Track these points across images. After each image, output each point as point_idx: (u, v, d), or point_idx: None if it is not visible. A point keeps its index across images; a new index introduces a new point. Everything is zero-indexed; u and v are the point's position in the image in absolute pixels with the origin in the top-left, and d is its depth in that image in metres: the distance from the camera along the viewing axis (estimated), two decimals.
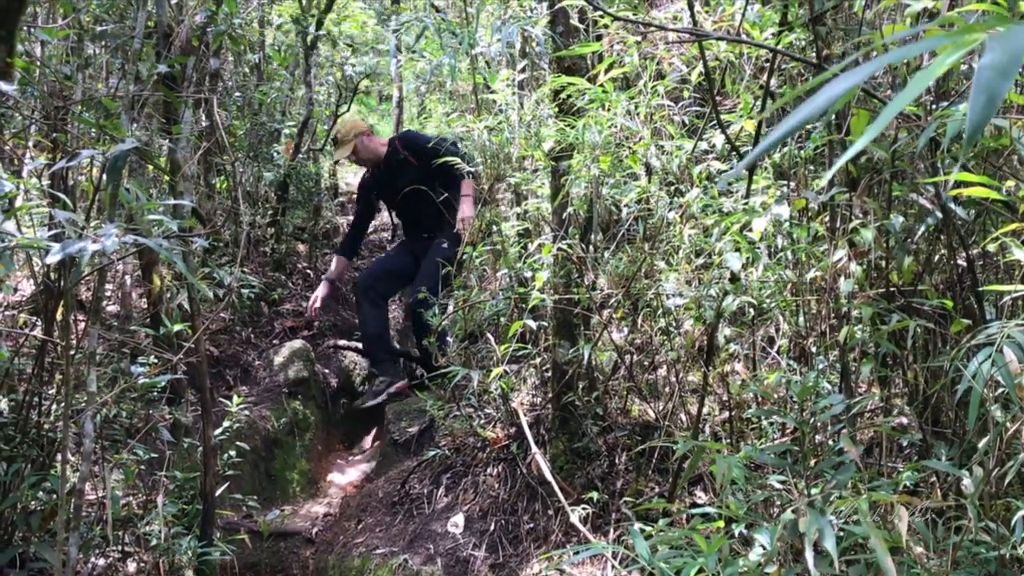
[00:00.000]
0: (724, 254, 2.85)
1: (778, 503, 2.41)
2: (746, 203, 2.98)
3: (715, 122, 3.29)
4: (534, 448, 3.59)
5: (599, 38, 4.05)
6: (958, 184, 2.16)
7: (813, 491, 2.15)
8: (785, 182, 3.07)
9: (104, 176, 2.26)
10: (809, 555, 1.71)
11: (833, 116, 2.75)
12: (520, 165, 4.75)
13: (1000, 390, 1.82)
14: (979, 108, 0.73)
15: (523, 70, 4.63)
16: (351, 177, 11.40)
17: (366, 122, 6.79)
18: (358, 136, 5.99)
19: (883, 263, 2.54)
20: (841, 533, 1.97)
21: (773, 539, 1.92)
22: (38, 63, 3.54)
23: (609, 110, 3.57)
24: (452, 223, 5.71)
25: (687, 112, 4.05)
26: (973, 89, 0.73)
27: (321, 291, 6.19)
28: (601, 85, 3.56)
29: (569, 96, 3.71)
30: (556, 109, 3.87)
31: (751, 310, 3.12)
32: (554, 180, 3.93)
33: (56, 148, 3.27)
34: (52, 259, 1.88)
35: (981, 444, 1.85)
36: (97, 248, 1.89)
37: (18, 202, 3.81)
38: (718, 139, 3.45)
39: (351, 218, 7.79)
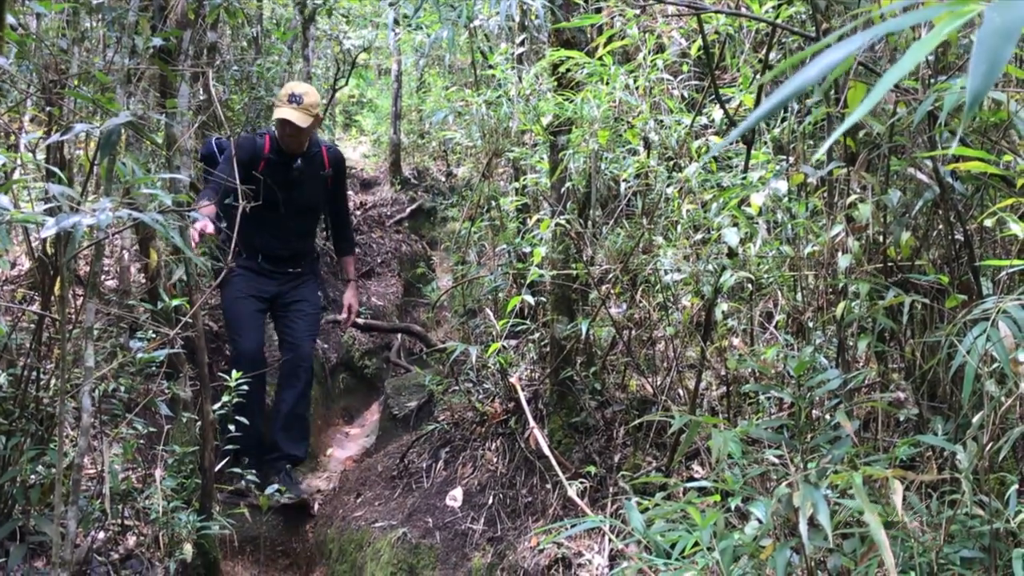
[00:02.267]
0: (722, 229, 2.84)
1: (774, 477, 2.42)
2: (744, 178, 2.97)
3: (714, 96, 3.27)
4: (532, 423, 3.59)
5: (599, 11, 4.02)
6: (956, 158, 2.15)
7: (809, 465, 2.15)
8: (784, 156, 3.05)
9: (99, 151, 2.25)
10: (803, 529, 1.72)
11: (832, 90, 2.73)
12: (519, 140, 4.73)
13: (995, 365, 1.82)
14: (980, 76, 0.72)
15: (522, 43, 4.59)
16: (351, 151, 11.35)
17: None
18: (318, 117, 4.68)
19: (881, 238, 2.54)
20: (836, 507, 1.98)
21: (768, 513, 1.93)
22: (33, 36, 3.52)
23: (608, 84, 3.55)
24: (316, 263, 5.21)
25: (686, 86, 4.02)
26: (973, 57, 0.73)
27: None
28: (600, 58, 3.53)
29: (568, 70, 3.69)
30: (555, 83, 3.85)
31: (749, 285, 3.12)
32: (553, 155, 3.92)
33: (51, 122, 3.26)
34: (46, 233, 1.88)
35: (976, 419, 1.85)
36: (92, 222, 1.89)
37: (15, 176, 3.80)
38: (717, 113, 3.43)
39: (348, 192, 7.46)
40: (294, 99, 4.51)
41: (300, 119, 4.49)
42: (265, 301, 4.83)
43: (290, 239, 4.84)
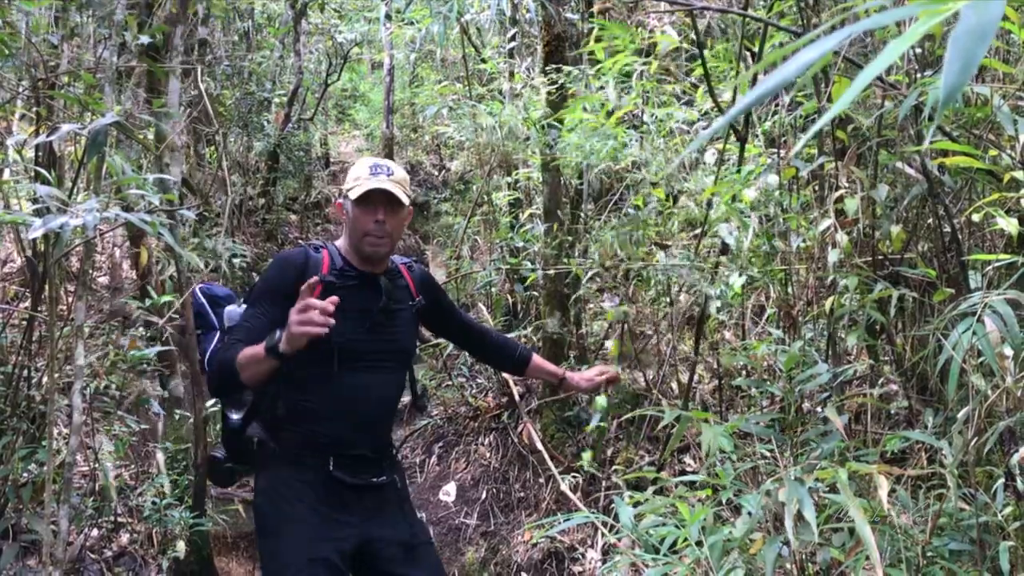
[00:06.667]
0: (718, 225, 2.84)
1: (765, 472, 2.42)
2: (737, 171, 2.97)
3: (707, 90, 3.27)
4: (525, 417, 3.60)
5: (589, 4, 4.01)
6: (943, 153, 2.16)
7: (799, 460, 2.16)
8: (776, 150, 3.05)
9: (86, 151, 2.25)
10: (789, 526, 1.72)
11: (823, 83, 2.73)
12: (512, 135, 4.72)
13: (982, 359, 1.82)
14: (954, 74, 0.73)
15: (513, 38, 4.59)
16: (344, 146, 11.32)
17: None
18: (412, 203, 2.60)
19: (871, 231, 2.54)
20: (825, 501, 1.99)
21: (757, 509, 1.94)
22: (21, 35, 3.50)
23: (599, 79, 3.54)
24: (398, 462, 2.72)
25: (679, 80, 4.02)
26: (948, 55, 0.73)
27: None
28: (602, 34, 3.52)
29: (559, 61, 3.68)
30: (545, 81, 3.84)
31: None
32: (545, 149, 3.91)
33: (39, 121, 3.24)
34: (34, 234, 1.87)
35: (961, 414, 1.86)
36: (78, 223, 1.88)
37: (5, 175, 3.79)
38: (708, 106, 3.43)
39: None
40: (379, 169, 2.47)
41: (401, 191, 2.45)
42: (343, 559, 2.39)
43: (375, 419, 2.57)
